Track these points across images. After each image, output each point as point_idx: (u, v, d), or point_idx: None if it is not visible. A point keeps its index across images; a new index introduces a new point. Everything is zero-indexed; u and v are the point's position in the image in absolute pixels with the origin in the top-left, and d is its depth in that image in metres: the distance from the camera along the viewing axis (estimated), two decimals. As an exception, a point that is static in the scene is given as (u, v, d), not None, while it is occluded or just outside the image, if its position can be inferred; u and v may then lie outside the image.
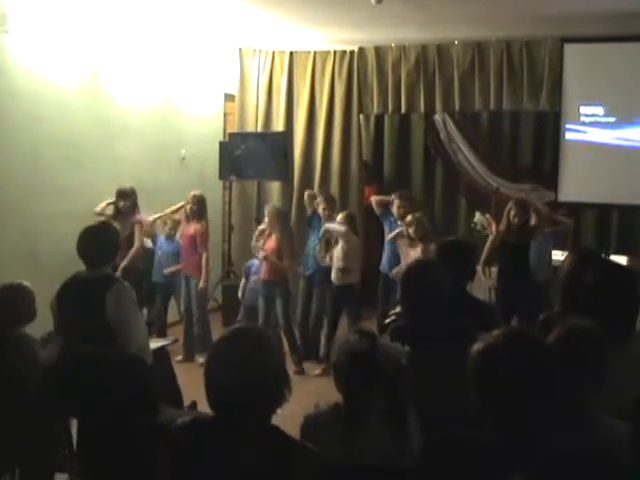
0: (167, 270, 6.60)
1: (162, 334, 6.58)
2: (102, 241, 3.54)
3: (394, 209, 6.50)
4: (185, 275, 6.43)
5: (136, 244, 6.21)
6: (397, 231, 6.31)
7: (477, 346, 1.71)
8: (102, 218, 5.90)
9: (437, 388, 2.46)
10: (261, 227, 6.50)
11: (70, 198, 6.31)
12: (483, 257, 5.97)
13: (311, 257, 6.54)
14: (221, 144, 7.80)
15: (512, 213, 5.92)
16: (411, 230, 6.00)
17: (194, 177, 7.92)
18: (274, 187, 8.43)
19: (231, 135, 7.99)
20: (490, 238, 6.16)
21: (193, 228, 6.32)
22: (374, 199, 6.81)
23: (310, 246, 6.59)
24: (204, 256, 6.31)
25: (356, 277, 6.18)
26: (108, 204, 6.30)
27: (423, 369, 2.41)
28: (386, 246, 6.49)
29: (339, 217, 6.31)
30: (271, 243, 6.20)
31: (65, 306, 3.45)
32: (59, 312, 3.47)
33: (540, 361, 1.65)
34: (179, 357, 6.38)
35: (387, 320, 3.21)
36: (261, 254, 6.21)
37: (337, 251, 6.11)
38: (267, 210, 6.35)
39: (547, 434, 1.60)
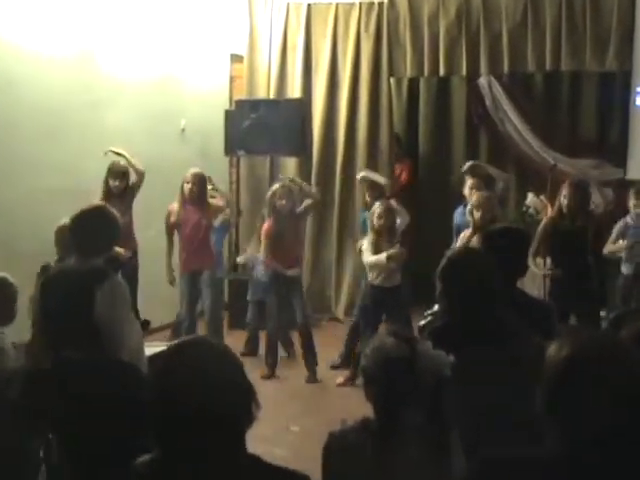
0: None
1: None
2: (98, 227, 3.58)
3: (466, 190, 6.43)
4: (189, 274, 6.35)
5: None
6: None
7: (559, 349, 1.65)
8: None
9: (489, 403, 2.43)
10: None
11: (50, 176, 6.33)
12: (533, 246, 5.90)
13: None
14: (227, 113, 7.81)
15: (563, 194, 5.86)
16: (478, 215, 5.84)
17: (195, 152, 7.91)
18: (289, 164, 8.42)
19: (239, 103, 7.99)
20: (541, 224, 6.10)
21: (198, 214, 6.27)
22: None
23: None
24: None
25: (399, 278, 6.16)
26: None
27: (469, 381, 2.40)
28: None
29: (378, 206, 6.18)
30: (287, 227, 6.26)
31: (49, 303, 3.47)
32: (42, 310, 3.48)
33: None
34: None
35: (422, 322, 3.23)
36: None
37: (382, 249, 6.03)
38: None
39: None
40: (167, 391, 1.70)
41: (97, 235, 3.56)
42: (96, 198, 6.17)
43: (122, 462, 1.87)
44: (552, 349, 1.67)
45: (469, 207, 5.93)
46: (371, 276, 6.07)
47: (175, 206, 6.35)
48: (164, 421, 1.70)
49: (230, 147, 7.74)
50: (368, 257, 6.02)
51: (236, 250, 8.28)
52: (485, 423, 2.42)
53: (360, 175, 6.96)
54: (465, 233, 5.83)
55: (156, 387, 1.73)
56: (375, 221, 5.98)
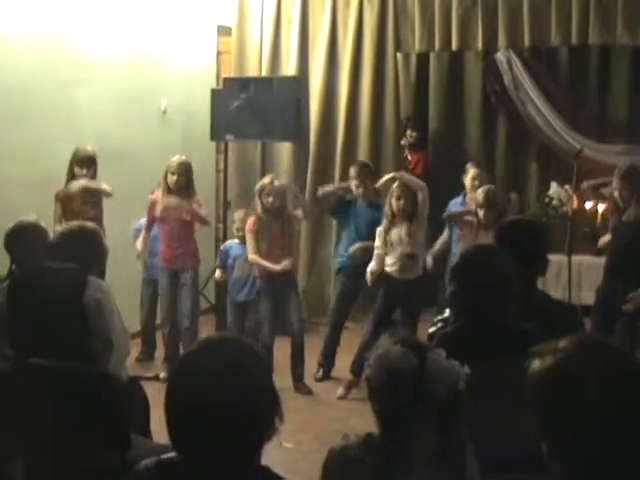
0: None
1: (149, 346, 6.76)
2: (82, 252, 3.74)
3: (467, 180, 6.45)
4: (170, 270, 6.43)
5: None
6: (463, 209, 6.33)
7: (539, 362, 1.68)
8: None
9: (503, 419, 2.43)
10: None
11: (15, 163, 6.34)
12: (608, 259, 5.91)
13: (346, 247, 6.58)
14: (213, 93, 7.82)
15: (614, 186, 5.92)
16: (482, 213, 5.93)
17: (178, 136, 7.94)
18: (283, 150, 8.45)
19: (227, 81, 7.97)
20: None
21: (182, 208, 6.33)
22: None
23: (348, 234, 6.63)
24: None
25: (420, 268, 6.20)
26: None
27: (486, 396, 2.41)
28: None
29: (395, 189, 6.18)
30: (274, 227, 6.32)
31: (22, 308, 3.55)
32: (14, 316, 3.56)
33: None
34: (162, 374, 6.41)
35: (432, 328, 3.25)
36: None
37: (400, 232, 6.06)
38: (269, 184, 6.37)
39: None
40: (187, 396, 1.74)
41: (86, 261, 3.71)
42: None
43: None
44: (534, 365, 1.69)
45: (469, 197, 6.00)
46: (387, 267, 6.11)
47: (158, 196, 6.39)
48: (181, 423, 1.74)
49: (217, 131, 7.73)
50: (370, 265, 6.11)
51: (224, 197, 8.26)
52: (503, 442, 2.44)
53: (386, 178, 6.77)
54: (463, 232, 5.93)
55: (177, 387, 1.77)
56: (394, 203, 6.01)
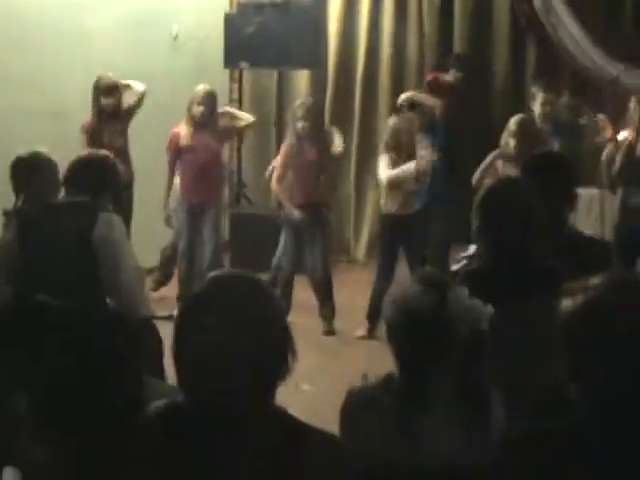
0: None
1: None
2: (96, 181, 3.78)
3: (535, 107, 6.35)
4: (192, 204, 6.41)
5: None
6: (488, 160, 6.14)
7: (570, 300, 1.70)
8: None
9: (529, 359, 2.44)
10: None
11: (19, 91, 6.30)
12: (608, 176, 5.87)
13: None
14: (227, 18, 7.73)
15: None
16: (513, 143, 5.80)
17: (190, 64, 7.85)
18: (301, 78, 8.36)
19: (241, 5, 7.92)
20: (608, 149, 6.04)
21: (208, 140, 6.30)
22: None
23: None
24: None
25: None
26: None
27: (510, 333, 2.42)
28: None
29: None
30: (309, 154, 6.18)
31: (32, 245, 3.62)
32: (23, 253, 3.62)
33: None
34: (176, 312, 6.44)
35: (455, 265, 3.24)
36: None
37: (407, 166, 6.04)
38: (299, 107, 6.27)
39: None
40: (197, 331, 1.74)
41: (95, 190, 3.73)
42: (78, 120, 6.18)
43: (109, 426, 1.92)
44: (565, 303, 1.69)
45: (504, 135, 5.89)
46: (386, 204, 6.10)
47: (184, 129, 6.33)
48: (190, 364, 1.75)
49: (231, 58, 7.69)
50: (386, 172, 6.02)
51: (238, 176, 8.27)
52: (529, 385, 2.44)
53: (403, 98, 6.75)
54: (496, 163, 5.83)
55: (184, 326, 1.77)
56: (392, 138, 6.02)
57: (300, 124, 6.12)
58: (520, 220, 2.88)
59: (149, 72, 7.32)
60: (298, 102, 6.36)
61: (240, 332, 1.72)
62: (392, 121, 6.25)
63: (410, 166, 6.03)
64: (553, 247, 2.86)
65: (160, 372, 4.02)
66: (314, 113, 6.23)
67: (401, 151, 6.05)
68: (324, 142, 6.26)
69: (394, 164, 6.05)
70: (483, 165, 5.93)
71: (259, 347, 1.73)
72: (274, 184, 6.33)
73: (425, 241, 6.28)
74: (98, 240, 3.60)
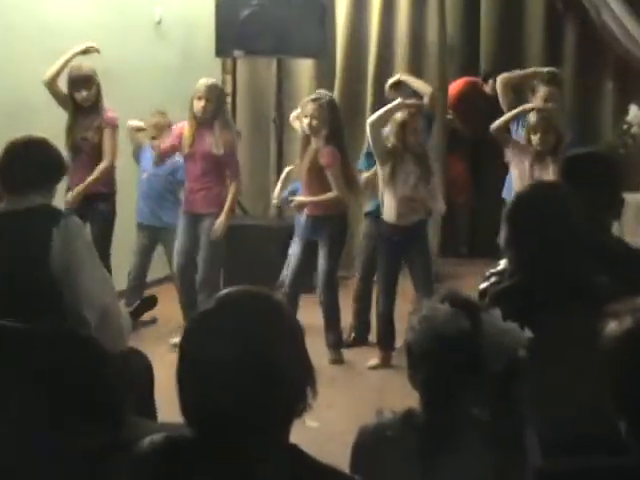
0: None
1: (135, 299, 6.73)
2: (33, 161, 3.73)
3: (537, 100, 6.39)
4: (191, 214, 6.46)
5: (105, 160, 6.33)
6: (516, 110, 6.15)
7: (616, 323, 1.71)
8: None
9: (570, 390, 2.47)
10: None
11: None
12: None
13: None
14: (218, 0, 7.70)
15: None
16: (536, 138, 5.83)
17: (176, 53, 7.90)
18: (304, 69, 8.39)
19: (234, -16, 7.91)
20: None
21: (211, 140, 6.31)
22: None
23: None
24: (234, 186, 6.43)
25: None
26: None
27: (551, 363, 2.43)
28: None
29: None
30: (324, 157, 6.14)
31: None
32: None
33: None
34: (174, 340, 6.37)
35: (484, 284, 3.26)
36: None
37: (409, 174, 6.03)
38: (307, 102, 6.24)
39: None
40: (204, 361, 1.75)
41: (32, 169, 3.70)
42: (44, 118, 6.19)
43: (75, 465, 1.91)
44: (610, 327, 1.69)
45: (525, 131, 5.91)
46: (385, 212, 6.11)
47: (184, 129, 6.33)
48: (196, 394, 1.76)
49: (223, 46, 7.71)
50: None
51: None
52: (570, 418, 2.43)
53: (391, 81, 6.74)
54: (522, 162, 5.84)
55: (191, 352, 1.78)
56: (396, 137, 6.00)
57: (306, 122, 6.10)
58: (557, 230, 2.89)
59: (128, 63, 7.35)
60: (308, 99, 6.32)
61: (254, 359, 1.73)
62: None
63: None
64: (596, 260, 2.86)
65: (150, 408, 3.99)
66: (318, 108, 6.16)
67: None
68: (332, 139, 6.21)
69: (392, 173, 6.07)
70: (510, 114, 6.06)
71: (275, 377, 1.74)
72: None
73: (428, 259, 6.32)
74: (55, 255, 3.55)
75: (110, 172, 6.38)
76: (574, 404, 2.53)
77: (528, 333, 2.26)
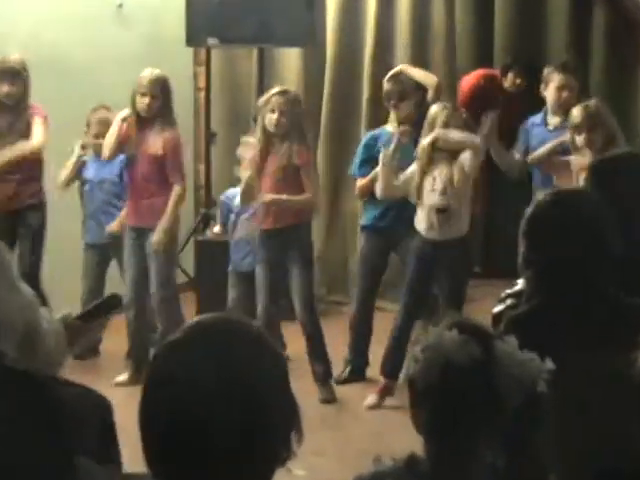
0: (109, 228, 6.74)
1: None
2: None
3: (550, 92, 6.44)
4: (135, 228, 6.52)
5: (33, 141, 6.34)
6: (557, 141, 6.21)
7: None
8: None
9: (601, 433, 2.46)
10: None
11: None
12: None
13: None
14: (189, -19, 7.80)
15: None
16: (580, 138, 5.84)
17: (140, 41, 7.94)
18: (289, 58, 8.45)
19: (208, -38, 7.93)
20: None
21: (155, 141, 6.36)
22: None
23: None
24: (176, 190, 6.43)
25: (466, 225, 6.24)
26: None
27: (575, 395, 2.44)
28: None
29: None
30: (278, 158, 6.18)
31: None
32: None
33: None
34: (121, 377, 6.49)
35: (498, 307, 3.30)
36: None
37: (436, 178, 6.06)
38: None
39: None
40: (173, 399, 1.75)
41: None
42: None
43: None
44: None
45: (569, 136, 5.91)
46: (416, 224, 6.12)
47: (126, 128, 6.40)
48: (161, 442, 1.76)
49: (195, 34, 7.70)
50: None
51: (206, 194, 8.29)
52: (601, 465, 2.43)
53: (390, 72, 6.74)
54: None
55: (155, 393, 1.78)
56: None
57: (272, 117, 6.11)
58: (582, 245, 2.90)
59: (85, 52, 7.38)
60: (273, 91, 6.33)
61: (229, 397, 1.73)
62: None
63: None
64: (630, 280, 2.86)
65: (109, 454, 3.98)
66: (291, 104, 6.19)
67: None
68: (300, 144, 6.23)
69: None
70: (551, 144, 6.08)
71: (254, 419, 1.73)
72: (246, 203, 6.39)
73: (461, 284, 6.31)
74: None
75: (37, 157, 6.41)
76: (602, 448, 2.53)
77: (549, 364, 2.27)
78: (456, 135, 6.02)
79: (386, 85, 6.58)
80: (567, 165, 5.99)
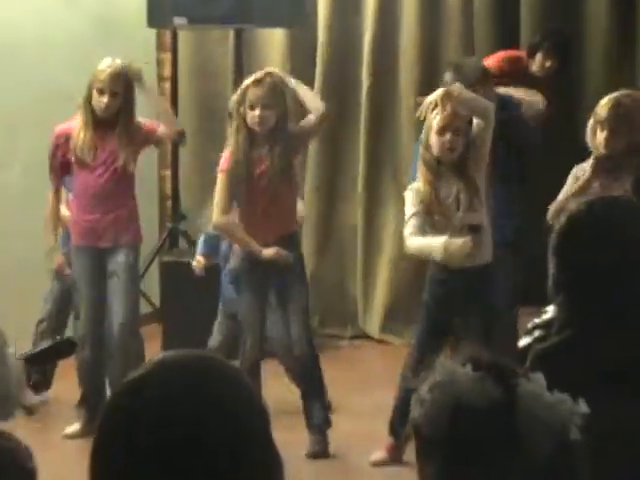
0: (57, 266, 6.73)
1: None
2: None
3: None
4: (91, 248, 6.59)
5: None
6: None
7: None
8: None
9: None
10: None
11: None
12: None
13: None
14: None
15: None
16: (601, 136, 5.82)
17: (91, 23, 7.98)
18: (272, 43, 8.58)
19: None
20: None
21: (116, 149, 6.43)
22: None
23: None
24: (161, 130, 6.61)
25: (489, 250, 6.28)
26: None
27: (613, 444, 2.45)
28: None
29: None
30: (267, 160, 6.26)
31: None
32: None
33: None
34: (72, 428, 6.53)
35: (526, 339, 3.33)
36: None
37: (451, 194, 6.06)
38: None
39: None
40: (132, 450, 1.75)
41: None
42: None
43: None
44: None
45: (590, 123, 5.93)
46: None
47: (74, 127, 6.44)
48: None
49: (158, 11, 7.77)
50: (412, 239, 6.07)
51: (173, 206, 8.32)
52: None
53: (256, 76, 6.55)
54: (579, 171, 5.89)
55: (112, 443, 1.78)
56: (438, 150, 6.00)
57: (255, 113, 6.16)
58: (625, 263, 2.92)
59: (26, 36, 7.39)
60: (253, 77, 6.33)
61: (196, 448, 1.73)
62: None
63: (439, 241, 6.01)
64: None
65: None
66: (276, 97, 6.24)
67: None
68: (289, 145, 6.33)
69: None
70: (563, 192, 6.05)
71: (227, 477, 1.74)
72: (218, 217, 6.37)
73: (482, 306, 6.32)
74: None
75: None
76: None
77: (583, 408, 2.27)
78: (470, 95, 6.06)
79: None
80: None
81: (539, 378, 2.30)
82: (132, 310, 6.63)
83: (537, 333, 3.21)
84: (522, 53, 8.32)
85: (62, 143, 6.45)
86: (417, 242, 6.04)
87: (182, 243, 8.22)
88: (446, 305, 6.17)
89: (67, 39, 7.50)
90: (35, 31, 7.54)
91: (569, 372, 2.56)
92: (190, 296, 7.22)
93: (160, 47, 8.60)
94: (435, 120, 5.99)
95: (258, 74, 6.37)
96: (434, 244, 5.96)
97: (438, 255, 5.92)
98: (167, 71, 8.46)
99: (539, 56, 7.94)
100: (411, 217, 6.00)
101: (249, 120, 6.16)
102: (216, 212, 6.36)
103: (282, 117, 6.24)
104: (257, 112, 6.13)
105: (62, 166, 6.51)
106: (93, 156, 6.38)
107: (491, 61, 8.25)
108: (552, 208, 5.95)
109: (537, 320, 3.36)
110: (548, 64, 7.92)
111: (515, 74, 8.01)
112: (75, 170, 6.50)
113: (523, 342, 3.27)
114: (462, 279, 6.10)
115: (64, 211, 6.71)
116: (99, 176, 6.43)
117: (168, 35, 8.39)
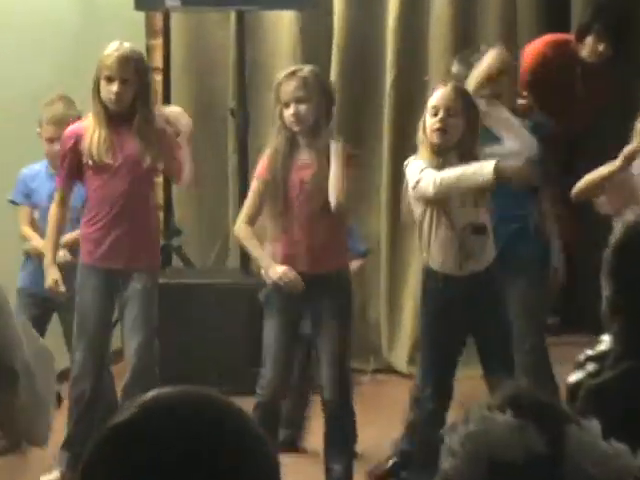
0: (50, 283, 6.71)
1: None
2: None
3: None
4: (106, 270, 6.64)
5: None
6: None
7: None
8: None
9: None
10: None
11: None
12: None
13: None
14: None
15: None
16: None
17: (72, 4, 8.10)
18: (278, 27, 8.73)
19: None
20: None
21: (136, 143, 6.50)
22: None
23: None
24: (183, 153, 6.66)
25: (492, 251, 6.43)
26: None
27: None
28: None
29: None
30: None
31: None
32: None
33: None
34: (50, 476, 6.64)
35: (576, 374, 3.38)
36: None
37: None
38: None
39: None
40: None
41: None
42: None
43: None
44: None
45: None
46: (431, 257, 6.25)
47: (85, 127, 6.49)
48: None
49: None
50: (442, 174, 6.10)
51: (166, 219, 8.45)
52: None
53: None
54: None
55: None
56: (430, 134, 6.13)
57: (289, 112, 6.21)
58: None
59: (6, 24, 7.45)
60: (286, 72, 6.39)
61: None
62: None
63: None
64: None
65: None
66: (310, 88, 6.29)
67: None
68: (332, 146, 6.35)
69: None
70: (597, 172, 6.22)
71: None
72: (239, 221, 6.45)
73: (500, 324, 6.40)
74: None
75: None
76: None
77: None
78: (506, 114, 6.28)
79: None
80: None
81: (593, 425, 2.29)
82: (152, 331, 6.68)
83: (590, 367, 3.23)
84: (570, 36, 8.29)
85: (72, 146, 6.45)
86: (453, 172, 6.10)
87: (176, 261, 8.21)
88: (446, 317, 6.30)
89: (44, 25, 7.58)
90: (10, 19, 7.64)
91: (627, 413, 2.53)
92: (184, 321, 7.23)
93: (150, 32, 8.65)
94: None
95: (291, 67, 6.58)
96: (484, 164, 6.06)
97: (488, 177, 6.00)
98: (157, 60, 8.50)
99: (590, 40, 7.90)
100: (425, 168, 6.11)
101: (286, 120, 6.25)
102: (240, 218, 6.56)
103: (320, 112, 6.33)
104: (291, 110, 6.22)
105: (71, 174, 6.52)
106: (112, 157, 6.39)
107: (534, 47, 8.22)
108: (580, 184, 6.19)
109: (590, 351, 3.38)
110: (601, 48, 7.88)
111: (561, 61, 7.98)
112: (89, 177, 6.49)
113: (573, 377, 3.28)
114: (459, 287, 6.23)
115: (30, 232, 6.91)
116: (121, 181, 6.45)
117: (159, 18, 8.42)
